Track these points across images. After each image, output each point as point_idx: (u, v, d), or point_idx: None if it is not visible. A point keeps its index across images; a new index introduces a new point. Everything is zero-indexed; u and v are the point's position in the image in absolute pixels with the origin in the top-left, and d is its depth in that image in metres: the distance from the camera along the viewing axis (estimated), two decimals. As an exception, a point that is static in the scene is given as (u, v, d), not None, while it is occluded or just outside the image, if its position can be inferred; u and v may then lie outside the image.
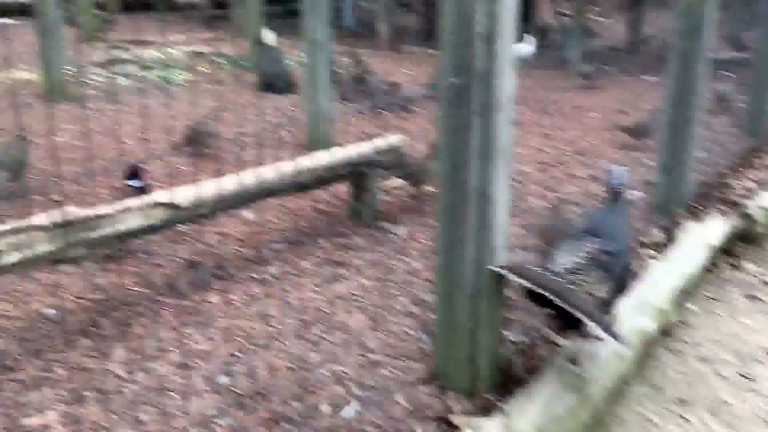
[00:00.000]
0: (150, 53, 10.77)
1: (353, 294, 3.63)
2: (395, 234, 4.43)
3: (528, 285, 2.47)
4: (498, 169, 2.50)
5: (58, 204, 4.35)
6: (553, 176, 5.80)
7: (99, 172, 5.24)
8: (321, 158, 4.31)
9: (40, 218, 3.05)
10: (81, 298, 3.49)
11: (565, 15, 13.09)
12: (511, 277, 2.53)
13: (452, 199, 2.56)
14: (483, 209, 2.51)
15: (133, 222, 3.33)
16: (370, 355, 3.05)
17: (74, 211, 3.14)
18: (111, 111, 6.98)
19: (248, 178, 3.84)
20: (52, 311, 3.36)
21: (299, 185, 4.17)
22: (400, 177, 4.90)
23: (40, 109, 7.13)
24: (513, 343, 3.01)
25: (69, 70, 7.98)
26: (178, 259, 3.95)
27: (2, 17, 12.06)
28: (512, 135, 2.56)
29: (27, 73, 8.64)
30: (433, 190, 3.59)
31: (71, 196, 4.67)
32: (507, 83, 2.47)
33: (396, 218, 4.67)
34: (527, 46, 10.28)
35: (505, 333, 2.88)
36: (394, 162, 4.71)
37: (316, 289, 3.68)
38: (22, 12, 11.78)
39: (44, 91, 7.78)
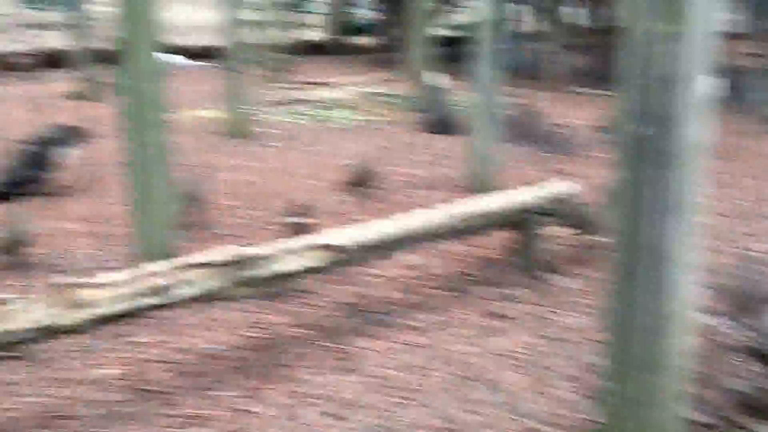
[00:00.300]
0: (323, 93, 11.20)
1: (512, 350, 3.42)
2: (560, 286, 4.17)
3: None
4: (681, 226, 2.25)
5: (229, 239, 4.50)
6: (737, 230, 5.26)
7: (268, 209, 5.39)
8: (485, 203, 4.15)
9: (206, 255, 3.12)
10: (240, 335, 3.53)
11: (757, 55, 12.17)
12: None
13: (627, 258, 2.33)
14: (662, 270, 2.26)
15: (295, 263, 3.32)
16: (526, 421, 2.82)
17: (238, 250, 3.19)
18: (284, 149, 7.24)
19: (412, 222, 3.76)
20: (214, 347, 3.42)
21: (463, 231, 4.03)
22: (567, 226, 4.62)
23: (220, 145, 7.54)
24: (696, 424, 2.66)
25: (249, 110, 8.41)
26: (336, 301, 3.93)
27: (187, 59, 13.09)
28: (699, 188, 2.28)
29: (212, 112, 9.21)
30: (604, 241, 3.33)
31: (241, 231, 4.82)
32: (693, 131, 2.22)
33: (562, 270, 4.38)
34: (709, 88, 9.60)
35: (687, 412, 2.56)
36: (561, 210, 4.45)
37: (474, 341, 3.50)
38: (203, 55, 12.70)
39: (225, 129, 8.25)
